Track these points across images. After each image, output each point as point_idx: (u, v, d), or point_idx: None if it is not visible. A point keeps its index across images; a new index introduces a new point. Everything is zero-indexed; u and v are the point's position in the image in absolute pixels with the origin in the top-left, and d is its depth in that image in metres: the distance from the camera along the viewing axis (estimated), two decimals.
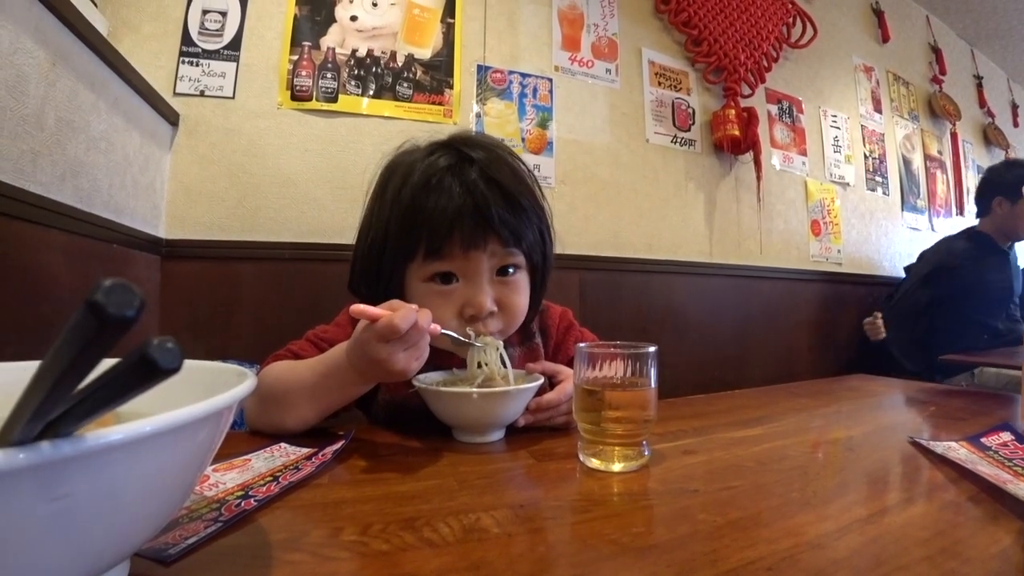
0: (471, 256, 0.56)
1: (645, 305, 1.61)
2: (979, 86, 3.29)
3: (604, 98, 1.63)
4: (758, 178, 1.79)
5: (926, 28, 2.99)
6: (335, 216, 1.28)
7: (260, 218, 1.24)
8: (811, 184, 2.08)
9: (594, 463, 0.44)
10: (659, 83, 1.73)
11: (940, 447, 0.50)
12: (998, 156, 3.34)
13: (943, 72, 2.94)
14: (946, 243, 2.00)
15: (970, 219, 2.86)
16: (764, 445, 0.56)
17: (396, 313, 0.43)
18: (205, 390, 0.23)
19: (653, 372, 0.46)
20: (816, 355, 2.08)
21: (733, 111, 1.74)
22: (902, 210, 2.48)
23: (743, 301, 1.83)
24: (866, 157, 2.34)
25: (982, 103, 3.28)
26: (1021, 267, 2.04)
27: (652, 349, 0.46)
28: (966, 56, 3.31)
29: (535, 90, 1.50)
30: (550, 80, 1.54)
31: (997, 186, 1.97)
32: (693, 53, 1.82)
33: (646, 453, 0.45)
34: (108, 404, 0.16)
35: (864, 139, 2.35)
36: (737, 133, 1.71)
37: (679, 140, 1.72)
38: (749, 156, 1.79)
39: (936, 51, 2.96)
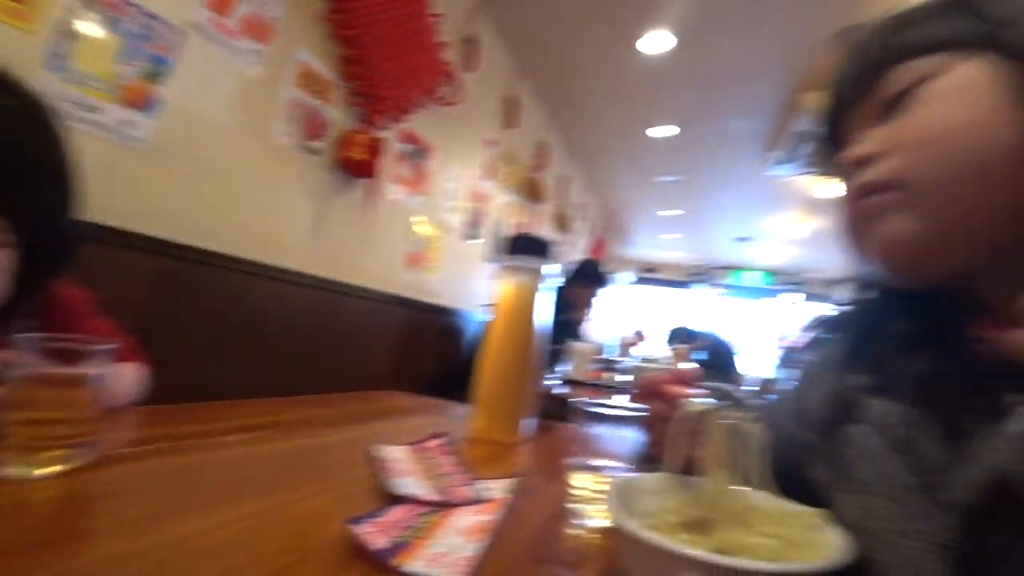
0: None
1: (230, 304, 1.59)
2: (564, 183, 4.52)
3: (239, 78, 1.59)
4: (371, 205, 2.05)
5: (542, 129, 3.96)
6: None
7: None
8: (421, 221, 2.48)
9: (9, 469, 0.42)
10: (303, 85, 1.81)
11: (389, 451, 0.61)
12: (563, 237, 4.63)
13: (544, 165, 3.93)
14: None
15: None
16: (232, 451, 0.62)
17: None
18: None
19: (95, 370, 0.47)
20: (401, 374, 2.41)
21: (365, 136, 1.95)
22: (487, 260, 3.19)
23: (335, 316, 2.01)
24: (470, 211, 2.93)
25: (563, 196, 4.51)
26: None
27: (101, 347, 0.47)
28: (562, 158, 4.50)
29: (157, 35, 1.37)
30: (180, 32, 1.42)
31: (583, 273, 2.85)
32: (346, 70, 1.96)
33: (80, 457, 0.46)
34: None
35: (472, 197, 2.95)
36: (363, 158, 1.92)
37: (306, 148, 1.82)
38: (367, 182, 2.03)
39: (543, 148, 3.95)
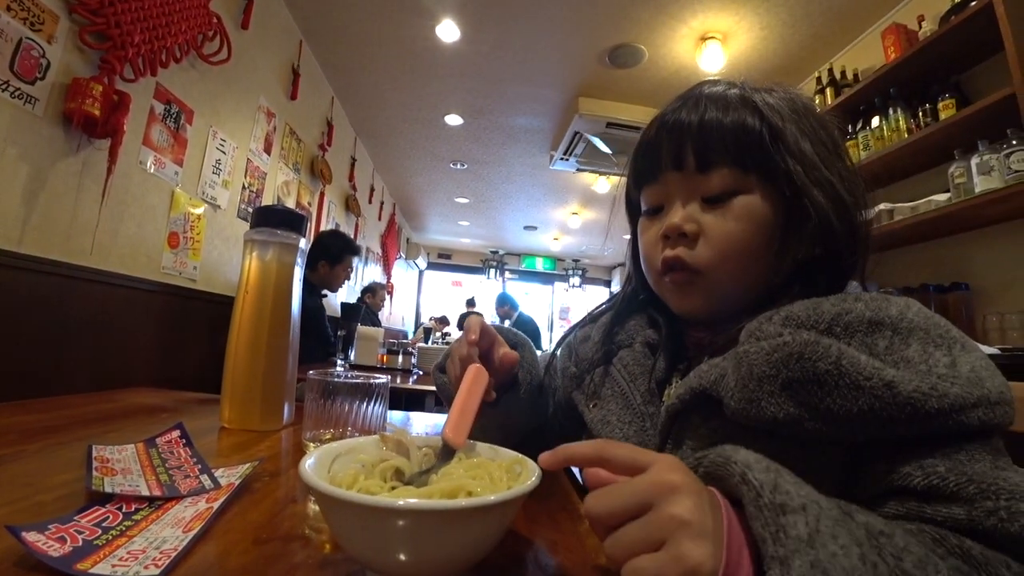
0: None
1: None
2: (352, 165, 4.34)
3: None
4: (109, 171, 1.72)
5: (328, 105, 3.75)
6: None
7: None
8: (180, 196, 2.16)
9: None
10: (8, 8, 1.44)
11: (112, 450, 0.56)
12: (352, 220, 4.46)
13: (329, 144, 3.72)
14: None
15: None
16: None
17: None
18: None
19: None
20: (161, 366, 2.12)
21: (101, 88, 1.62)
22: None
23: (69, 306, 1.66)
24: (244, 188, 2.65)
25: (351, 178, 4.33)
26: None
27: None
28: (350, 139, 4.33)
29: None
30: None
31: (325, 250, 2.67)
32: (79, 2, 1.62)
33: None
34: None
35: (247, 171, 2.66)
36: (97, 113, 1.59)
37: (14, 91, 1.45)
38: (106, 143, 1.70)
39: (330, 125, 3.74)
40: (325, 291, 2.72)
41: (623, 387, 0.58)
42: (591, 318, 0.70)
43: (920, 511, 0.34)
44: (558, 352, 0.72)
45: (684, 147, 0.53)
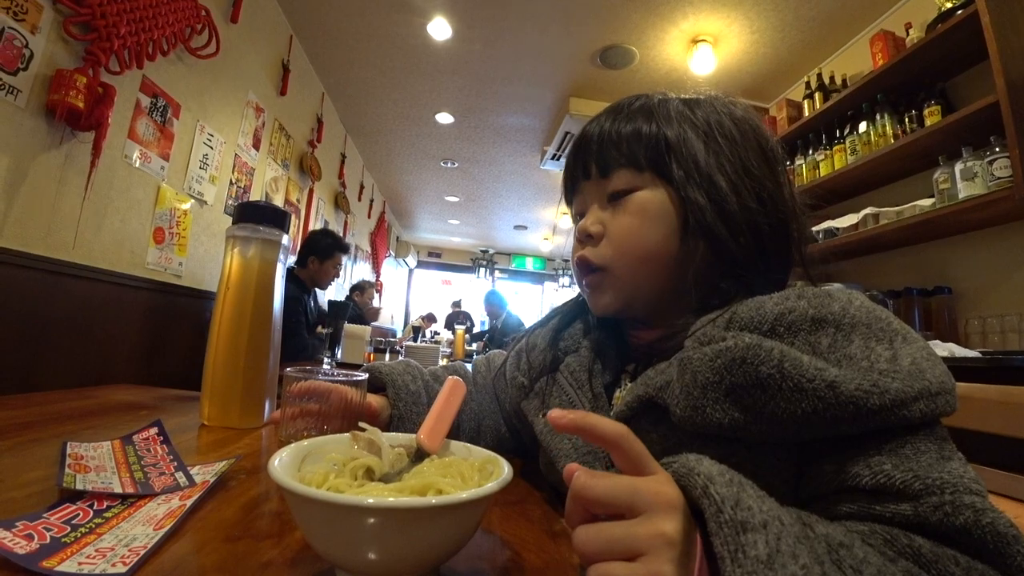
0: None
1: None
2: (342, 162, 4.33)
3: None
4: (92, 164, 1.70)
5: (319, 101, 3.73)
6: None
7: None
8: (166, 191, 2.14)
9: None
10: None
11: (87, 447, 0.55)
12: (341, 217, 4.45)
13: (319, 140, 3.70)
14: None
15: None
16: None
17: None
18: None
19: None
20: (144, 364, 2.09)
21: (85, 80, 1.61)
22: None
23: (48, 301, 1.63)
24: (231, 183, 2.62)
25: (340, 175, 4.31)
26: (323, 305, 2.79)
27: None
28: (340, 135, 4.31)
29: None
30: None
31: (314, 245, 2.66)
32: None
33: None
34: None
35: (235, 167, 2.64)
36: (81, 105, 1.58)
37: None
38: (90, 136, 1.68)
39: (320, 122, 3.72)
40: (316, 286, 2.72)
41: (570, 394, 0.58)
42: (540, 324, 0.70)
43: (870, 509, 0.35)
44: (508, 361, 0.71)
45: (589, 157, 0.58)
